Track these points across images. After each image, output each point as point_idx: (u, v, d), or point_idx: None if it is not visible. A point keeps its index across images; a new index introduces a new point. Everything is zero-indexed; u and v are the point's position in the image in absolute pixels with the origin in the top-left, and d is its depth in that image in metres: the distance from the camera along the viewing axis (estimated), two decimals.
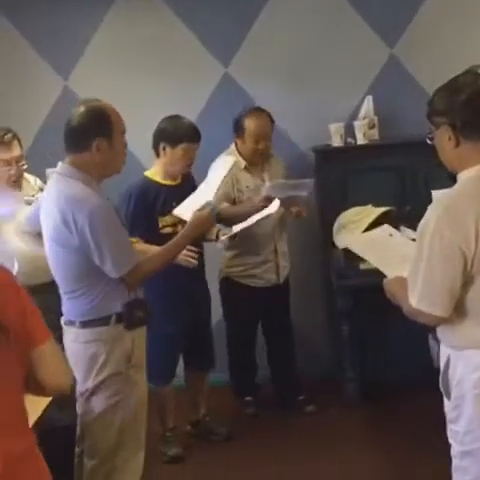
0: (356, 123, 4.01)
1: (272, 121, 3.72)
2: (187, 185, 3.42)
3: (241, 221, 3.42)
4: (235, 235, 3.43)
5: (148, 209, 3.25)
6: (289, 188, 3.56)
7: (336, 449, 3.49)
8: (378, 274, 3.52)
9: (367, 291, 3.71)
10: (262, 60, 4.18)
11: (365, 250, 2.44)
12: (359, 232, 3.62)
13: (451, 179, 2.51)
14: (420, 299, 1.95)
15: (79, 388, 2.49)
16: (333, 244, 3.84)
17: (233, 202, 3.64)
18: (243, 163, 3.69)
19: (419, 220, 2.82)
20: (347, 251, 3.70)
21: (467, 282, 1.92)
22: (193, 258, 3.10)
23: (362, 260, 3.57)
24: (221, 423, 3.75)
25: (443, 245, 1.90)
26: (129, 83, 4.19)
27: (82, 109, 2.46)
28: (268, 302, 3.79)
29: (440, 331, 2.08)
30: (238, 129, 3.70)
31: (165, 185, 3.35)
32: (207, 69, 4.21)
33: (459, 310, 1.96)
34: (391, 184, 3.93)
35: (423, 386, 3.34)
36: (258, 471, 3.38)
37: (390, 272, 2.25)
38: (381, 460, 3.37)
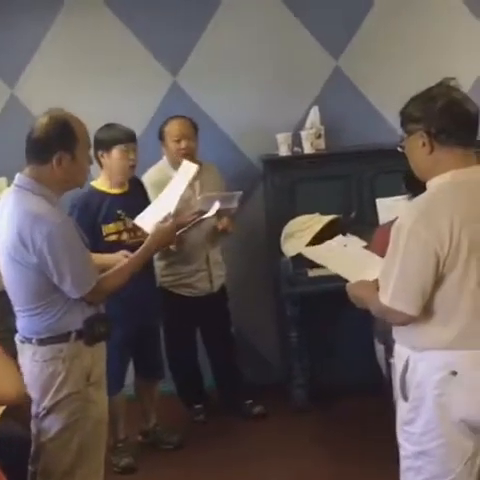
0: (303, 133, 4.07)
1: (194, 126, 3.80)
2: (135, 192, 3.44)
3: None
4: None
5: (91, 218, 3.24)
6: (219, 200, 3.50)
7: (285, 453, 3.54)
8: (326, 281, 3.66)
9: (315, 298, 3.82)
10: (210, 70, 4.20)
11: (324, 258, 2.49)
12: (307, 240, 3.68)
13: (410, 188, 2.60)
14: (393, 297, 2.00)
15: (34, 408, 2.40)
16: (281, 252, 3.89)
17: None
18: (173, 172, 3.59)
19: (364, 227, 2.91)
20: (295, 259, 3.78)
21: (437, 282, 1.98)
22: None
23: (310, 268, 3.71)
24: (172, 432, 3.75)
25: (419, 245, 1.96)
26: (77, 92, 4.15)
27: (46, 120, 2.35)
28: (204, 311, 3.81)
29: (400, 332, 2.12)
30: (160, 136, 3.80)
31: (110, 193, 3.35)
32: (156, 78, 4.21)
33: (426, 310, 2.01)
34: (337, 192, 3.99)
35: (370, 390, 3.42)
36: (209, 477, 3.40)
37: (351, 278, 2.29)
38: (329, 462, 3.42)
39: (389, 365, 2.68)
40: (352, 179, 3.98)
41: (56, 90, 4.14)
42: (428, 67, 3.80)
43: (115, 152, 3.34)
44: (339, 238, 2.59)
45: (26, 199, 2.32)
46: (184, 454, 3.64)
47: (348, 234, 3.44)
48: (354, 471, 3.29)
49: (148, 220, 2.93)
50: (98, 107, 4.08)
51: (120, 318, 3.26)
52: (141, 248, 2.66)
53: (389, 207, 3.52)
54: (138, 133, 4.12)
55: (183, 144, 3.73)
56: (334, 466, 3.38)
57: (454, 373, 1.99)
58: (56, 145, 2.31)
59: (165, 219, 2.79)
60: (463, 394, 1.99)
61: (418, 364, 2.04)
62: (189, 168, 3.15)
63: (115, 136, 3.35)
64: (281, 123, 4.15)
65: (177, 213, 3.37)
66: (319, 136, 4.10)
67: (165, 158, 3.84)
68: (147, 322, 3.53)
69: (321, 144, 4.10)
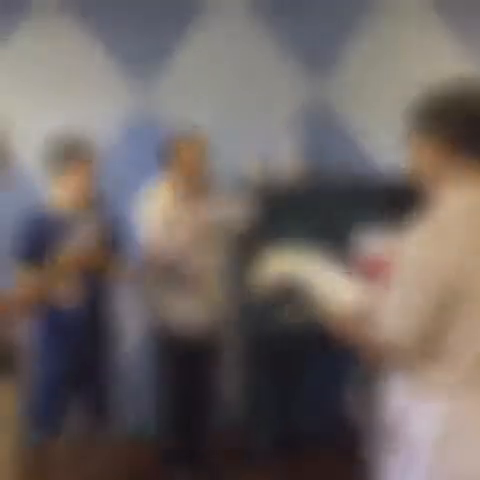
0: (279, 159, 3.90)
1: (201, 144, 3.49)
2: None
3: None
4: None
5: (44, 239, 2.97)
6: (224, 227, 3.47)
7: None
8: (297, 325, 3.45)
9: (284, 340, 3.59)
10: (183, 91, 4.04)
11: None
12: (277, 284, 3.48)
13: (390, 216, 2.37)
14: (390, 328, 1.80)
15: None
16: (250, 293, 3.67)
17: None
18: (175, 194, 3.43)
19: (341, 260, 2.68)
20: (264, 302, 3.55)
21: (446, 321, 1.76)
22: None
23: (279, 308, 3.50)
24: None
25: (425, 275, 1.75)
26: (43, 107, 3.97)
27: None
28: (197, 355, 3.49)
29: (396, 377, 1.89)
30: (165, 158, 3.45)
31: (65, 213, 3.10)
32: (126, 97, 4.02)
33: (429, 351, 1.78)
34: (319, 224, 3.77)
35: (339, 437, 3.21)
36: None
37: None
38: None
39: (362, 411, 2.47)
40: (330, 208, 3.80)
41: (19, 101, 3.95)
42: (408, 96, 3.66)
43: (70, 169, 3.10)
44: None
45: None
46: None
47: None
48: None
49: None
50: (62, 123, 3.85)
51: (57, 353, 3.10)
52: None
53: (368, 243, 3.34)
54: (107, 149, 3.97)
55: (195, 168, 3.44)
56: None
57: (452, 422, 1.76)
58: None
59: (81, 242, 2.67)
60: (463, 451, 1.75)
61: (414, 415, 1.81)
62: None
63: (70, 152, 3.11)
64: (257, 149, 3.97)
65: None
66: (296, 164, 3.92)
67: (164, 179, 3.49)
68: (91, 359, 3.22)
69: (298, 172, 3.91)
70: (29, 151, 3.48)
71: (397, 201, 1.94)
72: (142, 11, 3.99)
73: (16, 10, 3.93)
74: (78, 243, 2.61)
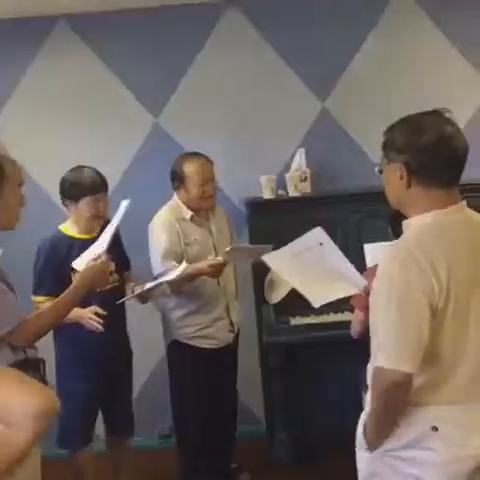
0: (287, 175, 3.95)
1: (212, 163, 3.49)
2: None
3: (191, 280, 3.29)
4: (142, 296, 3.24)
5: (59, 265, 3.05)
6: (247, 253, 3.45)
7: None
8: (309, 330, 3.52)
9: (299, 347, 3.65)
10: (193, 111, 4.11)
11: (285, 270, 2.28)
12: (289, 287, 3.52)
13: (397, 231, 2.40)
14: (390, 356, 1.78)
15: None
16: (265, 300, 3.73)
17: (181, 256, 3.37)
18: (189, 214, 3.43)
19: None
20: (277, 306, 3.63)
21: (433, 334, 1.80)
22: (99, 323, 2.95)
23: (293, 316, 3.56)
24: None
25: (410, 293, 1.76)
26: (56, 132, 4.09)
27: None
28: (219, 363, 3.49)
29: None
30: (178, 178, 3.44)
31: (79, 239, 3.17)
32: (137, 119, 4.12)
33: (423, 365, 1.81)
34: None
35: (355, 444, 3.23)
36: None
37: (315, 296, 2.10)
38: None
39: None
40: (338, 223, 3.84)
41: (34, 128, 4.08)
42: (416, 108, 3.70)
43: (83, 203, 3.15)
44: (317, 232, 2.35)
45: None
46: None
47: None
48: None
49: (83, 262, 2.79)
50: (78, 148, 3.99)
51: (84, 372, 3.16)
52: (70, 288, 2.52)
53: (377, 252, 3.39)
54: (120, 173, 4.10)
55: (208, 187, 3.41)
56: None
57: (435, 429, 1.83)
58: None
59: (97, 257, 2.65)
60: (443, 453, 1.82)
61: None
62: (124, 205, 2.91)
63: (82, 188, 3.14)
64: (266, 165, 4.06)
65: (196, 255, 3.35)
66: (304, 179, 3.98)
67: (177, 199, 3.48)
68: (117, 376, 3.32)
69: (307, 187, 3.98)
70: (50, 178, 3.58)
71: (404, 215, 2.01)
72: (153, 39, 4.07)
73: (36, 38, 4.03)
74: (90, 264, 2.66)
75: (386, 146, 1.92)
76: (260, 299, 3.79)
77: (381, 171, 1.96)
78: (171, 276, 3.14)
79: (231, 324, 3.55)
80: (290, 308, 3.57)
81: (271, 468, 3.74)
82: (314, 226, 3.56)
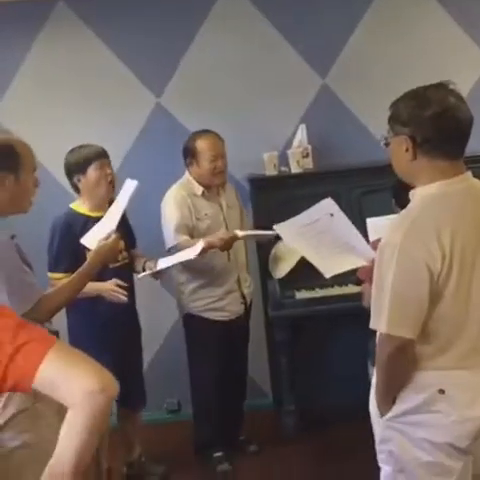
0: (290, 152, 3.99)
1: (222, 140, 3.59)
2: None
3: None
4: (157, 273, 3.32)
5: (74, 242, 3.10)
6: (255, 238, 3.67)
7: None
8: (315, 303, 3.57)
9: (304, 320, 3.71)
10: (194, 90, 4.14)
11: (297, 241, 2.32)
12: (294, 262, 3.58)
13: (400, 202, 2.44)
14: (390, 323, 1.84)
15: None
16: (270, 274, 3.78)
17: (193, 230, 3.49)
18: (200, 189, 3.53)
19: None
20: (283, 281, 3.68)
21: (432, 301, 1.85)
22: (123, 294, 3.04)
23: (298, 289, 3.62)
24: (157, 463, 3.62)
25: (411, 264, 1.82)
26: (59, 114, 4.11)
27: None
28: (231, 334, 3.57)
29: None
30: (190, 154, 3.54)
31: (92, 217, 3.23)
32: (139, 99, 4.15)
33: (421, 330, 1.88)
34: None
35: (363, 415, 3.29)
36: None
37: (326, 267, 2.15)
38: None
39: None
40: (341, 198, 3.84)
41: (37, 111, 4.11)
42: (416, 83, 3.72)
43: (91, 171, 3.24)
44: (327, 203, 2.38)
45: None
46: None
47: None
48: None
49: (93, 238, 2.89)
50: (80, 128, 4.02)
51: (98, 341, 3.19)
52: (85, 265, 2.61)
53: (379, 227, 3.41)
54: (123, 153, 4.14)
55: (220, 163, 3.52)
56: None
57: (442, 392, 1.89)
58: None
59: (108, 236, 2.74)
60: (450, 414, 1.89)
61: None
62: (130, 185, 3.01)
63: (87, 156, 3.25)
64: (268, 142, 4.10)
65: (207, 230, 3.46)
66: (306, 155, 4.02)
67: (188, 175, 3.59)
68: (127, 348, 3.40)
69: (309, 163, 4.02)
70: (54, 160, 3.61)
71: (408, 186, 2.05)
72: (153, 18, 4.08)
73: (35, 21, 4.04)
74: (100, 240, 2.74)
75: (391, 119, 1.96)
76: (265, 273, 3.85)
77: (387, 144, 2.00)
78: (189, 256, 3.24)
79: (242, 296, 3.64)
80: (295, 282, 3.63)
81: (278, 440, 3.83)
82: (317, 202, 3.68)
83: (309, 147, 4.04)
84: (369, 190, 3.83)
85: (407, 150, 1.91)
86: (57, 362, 1.40)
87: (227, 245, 3.37)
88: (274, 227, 2.46)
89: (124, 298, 3.05)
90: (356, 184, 3.89)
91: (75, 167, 3.25)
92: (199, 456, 3.66)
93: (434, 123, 1.87)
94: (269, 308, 3.71)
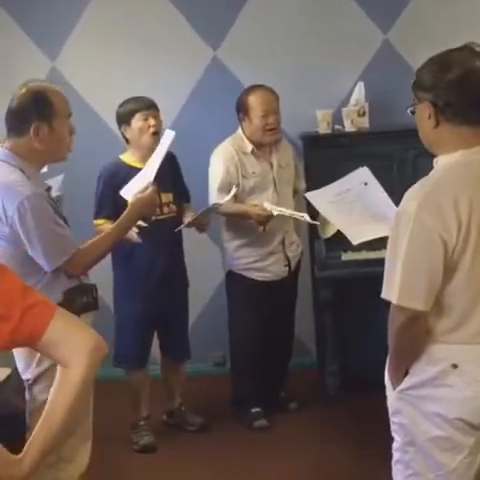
0: (344, 110, 3.91)
1: (277, 96, 3.53)
2: (164, 166, 3.30)
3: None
4: (202, 225, 3.41)
5: (117, 191, 3.13)
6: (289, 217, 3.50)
7: (317, 445, 3.41)
8: (360, 265, 3.53)
9: (349, 282, 3.68)
10: (251, 44, 4.09)
11: (328, 209, 2.28)
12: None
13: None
14: (401, 294, 1.80)
15: (22, 377, 2.42)
16: (318, 234, 3.75)
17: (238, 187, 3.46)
18: (250, 147, 3.50)
19: None
20: (329, 241, 3.65)
21: (446, 273, 1.80)
22: (137, 234, 3.05)
23: (344, 251, 3.58)
24: (196, 413, 3.69)
25: (424, 233, 1.77)
26: (117, 65, 4.13)
27: (23, 91, 2.31)
28: (274, 296, 3.56)
29: None
30: (242, 109, 3.49)
31: (137, 167, 3.24)
32: (196, 52, 4.12)
33: (435, 303, 1.83)
34: (378, 172, 3.72)
35: None
36: (232, 464, 3.31)
37: (354, 234, 2.11)
38: (362, 455, 3.28)
39: None
40: (394, 159, 3.80)
41: (96, 63, 4.15)
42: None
43: (134, 122, 3.32)
44: (363, 171, 2.32)
45: (3, 171, 2.31)
46: (208, 437, 3.57)
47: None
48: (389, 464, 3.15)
49: (131, 190, 2.87)
50: (136, 79, 4.03)
51: (138, 292, 3.33)
52: (121, 217, 2.61)
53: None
54: (178, 107, 4.14)
55: (271, 119, 3.46)
56: (367, 459, 3.18)
57: (455, 366, 1.84)
58: (32, 116, 2.28)
59: (145, 188, 2.71)
60: (464, 389, 1.84)
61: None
62: (168, 136, 2.94)
63: (132, 107, 3.34)
64: (324, 99, 4.02)
65: (253, 188, 3.48)
66: (363, 114, 3.93)
67: (240, 131, 3.55)
68: (172, 300, 3.46)
69: (364, 122, 3.93)
70: (109, 109, 3.66)
71: None
72: None
73: None
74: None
75: (415, 86, 1.90)
76: (313, 234, 3.82)
77: (413, 112, 1.94)
78: (221, 200, 3.29)
79: (287, 259, 3.60)
80: (342, 243, 3.56)
81: (320, 399, 3.83)
82: (370, 162, 3.60)
83: (366, 105, 3.94)
84: (424, 152, 3.67)
85: (430, 117, 1.85)
86: (61, 323, 1.51)
87: (263, 222, 3.39)
88: (306, 195, 2.43)
89: (136, 237, 3.05)
90: (411, 145, 3.73)
91: (122, 117, 3.35)
92: (237, 410, 3.71)
93: (456, 87, 1.80)
94: (315, 268, 3.69)
